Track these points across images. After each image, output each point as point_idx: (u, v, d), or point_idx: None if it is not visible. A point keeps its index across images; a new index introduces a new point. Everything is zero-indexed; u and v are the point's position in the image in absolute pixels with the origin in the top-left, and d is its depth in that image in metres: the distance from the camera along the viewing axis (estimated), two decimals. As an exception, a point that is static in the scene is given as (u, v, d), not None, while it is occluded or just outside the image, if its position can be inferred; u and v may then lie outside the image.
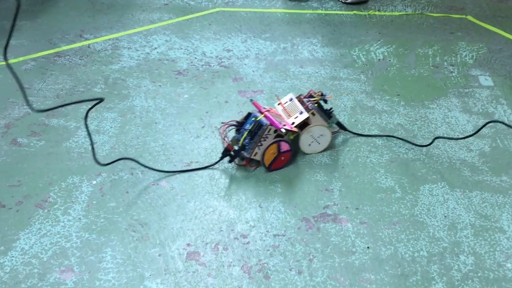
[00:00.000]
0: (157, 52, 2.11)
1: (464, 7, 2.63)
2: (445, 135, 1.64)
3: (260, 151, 1.44)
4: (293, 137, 1.51)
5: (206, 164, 1.49)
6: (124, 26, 2.33)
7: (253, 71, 1.99)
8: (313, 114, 1.52)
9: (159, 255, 1.22)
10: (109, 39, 2.20)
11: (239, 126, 1.49)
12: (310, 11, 2.54)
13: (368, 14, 2.53)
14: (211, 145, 1.57)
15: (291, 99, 1.57)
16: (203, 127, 1.65)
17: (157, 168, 1.47)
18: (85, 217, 1.32)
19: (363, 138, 1.62)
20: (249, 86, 1.89)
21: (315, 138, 1.54)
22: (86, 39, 2.20)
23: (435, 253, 1.24)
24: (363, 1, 2.63)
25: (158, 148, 1.56)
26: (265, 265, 1.20)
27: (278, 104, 1.59)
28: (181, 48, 2.15)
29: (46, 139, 1.59)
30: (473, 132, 1.52)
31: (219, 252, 1.23)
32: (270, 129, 1.43)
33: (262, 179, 1.45)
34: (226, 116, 1.69)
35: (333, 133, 1.64)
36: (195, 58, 2.08)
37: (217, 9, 2.53)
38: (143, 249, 1.23)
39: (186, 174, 1.46)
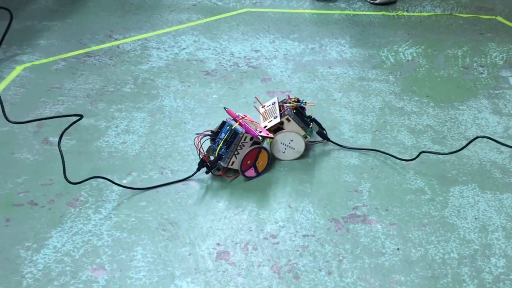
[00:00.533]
0: (186, 53, 2.13)
1: (493, 8, 2.59)
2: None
3: (238, 160, 1.42)
4: (270, 142, 1.50)
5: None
6: (153, 26, 2.35)
7: (282, 72, 1.99)
8: (287, 119, 1.49)
9: (189, 254, 1.22)
10: (138, 40, 2.23)
11: (214, 135, 1.45)
12: (338, 12, 2.53)
13: (397, 14, 2.51)
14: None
15: (273, 103, 1.56)
16: (231, 127, 1.66)
17: (188, 168, 1.48)
18: (116, 215, 1.33)
19: (392, 139, 1.61)
20: (277, 87, 1.89)
21: (287, 145, 1.51)
22: (116, 39, 2.23)
23: (465, 256, 1.23)
24: (391, 1, 2.61)
25: (187, 148, 1.57)
26: (295, 265, 1.19)
27: (262, 107, 1.59)
28: (210, 49, 2.16)
29: (77, 138, 1.61)
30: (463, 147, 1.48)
31: (248, 252, 1.23)
32: (246, 136, 1.40)
33: (290, 180, 1.45)
34: (254, 117, 1.69)
35: (315, 142, 1.61)
36: (224, 58, 2.09)
37: (245, 10, 2.54)
38: (173, 248, 1.24)
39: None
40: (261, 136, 1.43)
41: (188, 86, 1.90)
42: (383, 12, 2.53)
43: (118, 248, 1.24)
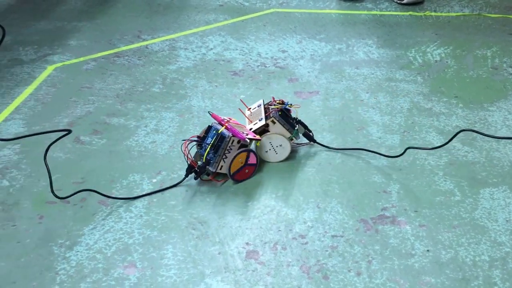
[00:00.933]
0: (213, 53, 2.14)
1: (524, 7, 2.56)
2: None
3: (226, 164, 1.42)
4: (258, 144, 1.49)
5: (262, 162, 1.50)
6: (180, 27, 2.38)
7: (309, 72, 1.99)
8: (273, 122, 1.49)
9: (219, 253, 1.23)
10: (166, 40, 2.25)
11: (201, 141, 1.45)
12: (365, 12, 2.52)
13: (424, 15, 2.49)
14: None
15: (259, 105, 1.55)
16: (259, 127, 1.67)
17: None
18: (146, 214, 1.35)
19: (421, 140, 1.60)
20: (304, 87, 1.90)
21: (272, 146, 1.51)
22: (144, 39, 2.26)
23: (497, 258, 1.21)
24: (418, 1, 2.59)
25: (216, 148, 1.58)
26: (324, 265, 1.20)
27: (248, 110, 1.59)
28: (237, 49, 2.17)
29: (107, 137, 1.64)
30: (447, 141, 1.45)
31: (277, 252, 1.24)
32: (233, 140, 1.40)
33: (319, 180, 1.45)
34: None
35: (301, 145, 1.60)
36: (251, 58, 2.10)
37: (271, 10, 2.55)
38: (203, 247, 1.25)
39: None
40: (248, 138, 1.43)
41: (216, 86, 1.91)
42: (411, 12, 2.51)
43: (149, 246, 1.26)
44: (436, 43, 2.22)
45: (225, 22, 2.42)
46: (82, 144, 1.61)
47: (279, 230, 1.30)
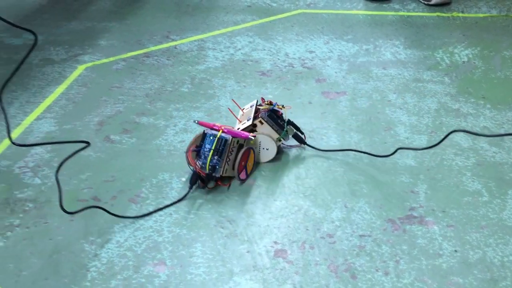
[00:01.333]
0: (241, 53, 2.16)
1: (554, 7, 2.52)
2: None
3: (229, 166, 1.43)
4: (252, 142, 1.50)
5: (289, 162, 1.52)
6: (208, 27, 2.40)
7: (336, 73, 2.00)
8: (260, 122, 1.50)
9: (247, 252, 1.25)
10: (195, 40, 2.28)
11: (198, 149, 1.44)
12: (392, 13, 2.52)
13: (452, 15, 2.48)
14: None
15: (251, 106, 1.56)
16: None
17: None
18: (175, 212, 1.37)
19: (448, 141, 1.59)
20: (332, 87, 1.90)
21: (259, 147, 1.52)
22: (173, 40, 2.29)
23: (526, 260, 1.21)
24: (446, 2, 2.57)
25: (243, 147, 1.60)
26: (352, 265, 1.20)
27: (241, 110, 1.60)
28: (265, 49, 2.19)
29: (137, 136, 1.67)
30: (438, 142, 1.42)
31: (305, 251, 1.25)
32: (234, 142, 1.42)
33: (346, 180, 1.46)
34: (310, 117, 1.71)
35: (292, 146, 1.60)
36: (278, 59, 2.11)
37: (299, 11, 2.56)
38: (232, 245, 1.27)
39: (272, 173, 1.49)
40: (254, 136, 1.45)
41: (244, 86, 1.93)
42: (438, 13, 2.50)
43: (178, 244, 1.28)
44: (463, 44, 2.20)
45: (253, 23, 2.44)
46: (112, 143, 1.64)
47: (307, 229, 1.31)
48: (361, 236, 1.28)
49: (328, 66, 2.05)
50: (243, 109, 1.62)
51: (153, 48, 2.22)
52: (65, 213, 1.34)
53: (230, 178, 1.47)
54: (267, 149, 1.53)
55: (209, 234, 1.30)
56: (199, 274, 1.20)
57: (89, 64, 2.10)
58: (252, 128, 1.52)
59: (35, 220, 1.36)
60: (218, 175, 1.42)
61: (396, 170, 1.49)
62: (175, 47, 2.23)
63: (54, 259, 1.24)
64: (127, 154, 1.59)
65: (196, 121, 1.50)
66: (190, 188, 1.44)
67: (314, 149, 1.58)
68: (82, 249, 1.27)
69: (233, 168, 1.44)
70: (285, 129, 1.53)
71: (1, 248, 1.28)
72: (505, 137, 1.60)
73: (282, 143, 1.56)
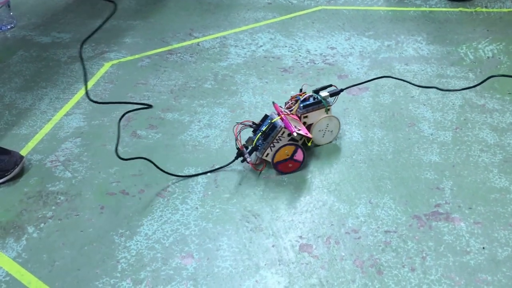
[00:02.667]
0: (263, 50, 2.17)
1: None
2: None
3: (272, 152, 1.44)
4: (310, 143, 1.50)
5: (313, 157, 1.52)
6: (230, 24, 2.41)
7: (358, 69, 2.00)
8: (305, 117, 1.53)
9: (273, 246, 1.26)
10: (217, 37, 2.29)
11: (256, 127, 1.49)
12: (414, 9, 2.50)
13: (475, 11, 2.45)
14: (319, 141, 1.60)
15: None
16: (310, 123, 1.69)
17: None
18: (201, 206, 1.39)
19: (474, 137, 1.59)
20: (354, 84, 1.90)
21: (324, 130, 1.57)
22: (196, 37, 2.31)
23: (555, 257, 1.20)
24: (469, -3, 2.55)
25: (267, 143, 1.61)
26: (377, 260, 1.21)
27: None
28: (286, 46, 2.19)
29: (163, 132, 1.69)
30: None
31: (331, 246, 1.25)
32: (284, 131, 1.43)
33: (370, 175, 1.46)
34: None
35: (334, 102, 1.60)
36: (300, 55, 2.11)
37: (319, 8, 2.56)
38: (257, 239, 1.28)
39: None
40: (298, 133, 1.43)
41: (266, 82, 1.94)
42: (461, 9, 2.48)
43: (205, 237, 1.30)
44: (487, 39, 2.18)
45: (274, 20, 2.45)
46: (139, 138, 1.67)
47: (332, 225, 1.32)
48: (386, 232, 1.29)
49: (349, 62, 2.05)
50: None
51: (176, 46, 2.24)
52: (95, 206, 1.40)
53: (267, 164, 1.50)
54: (331, 128, 1.58)
55: (235, 228, 1.32)
56: (226, 267, 1.22)
57: (115, 62, 2.13)
58: (307, 127, 1.55)
59: (66, 212, 1.39)
60: (260, 156, 1.47)
61: (420, 166, 1.49)
62: (197, 44, 2.24)
63: (85, 251, 1.28)
64: (153, 149, 1.62)
65: (273, 102, 1.55)
66: (235, 159, 1.50)
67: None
68: (112, 241, 1.30)
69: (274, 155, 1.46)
70: (321, 98, 1.54)
71: (35, 239, 1.32)
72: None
73: (330, 106, 1.57)
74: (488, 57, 2.05)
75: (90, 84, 1.97)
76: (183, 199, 1.42)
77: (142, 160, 1.55)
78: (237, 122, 1.52)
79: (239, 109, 1.78)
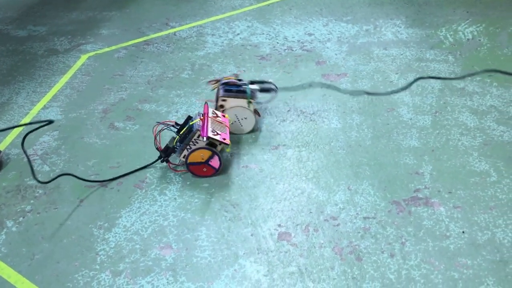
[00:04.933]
0: (240, 38, 2.15)
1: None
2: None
3: (187, 153, 1.40)
4: (228, 150, 1.45)
5: (292, 145, 1.51)
6: (207, 13, 2.39)
7: (336, 54, 1.98)
8: (223, 100, 1.53)
9: (252, 235, 1.25)
10: (194, 27, 2.27)
11: (180, 127, 1.44)
12: (393, -8, 2.49)
13: (454, -8, 2.44)
14: (297, 128, 1.59)
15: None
16: (288, 110, 1.67)
17: (246, 151, 1.51)
18: (180, 197, 1.37)
19: (453, 121, 1.58)
20: (332, 70, 1.89)
21: (239, 119, 1.55)
22: (172, 27, 2.28)
23: (535, 239, 1.20)
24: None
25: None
26: (357, 247, 1.20)
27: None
28: (263, 33, 2.17)
29: (140, 123, 1.66)
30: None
31: (309, 234, 1.24)
32: (199, 134, 1.39)
33: (349, 162, 1.45)
34: (311, 100, 1.70)
35: (268, 101, 1.62)
36: (277, 42, 2.09)
37: (298, -7, 2.54)
38: (236, 228, 1.27)
39: (275, 157, 1.49)
40: (211, 137, 1.38)
41: (244, 71, 1.92)
42: (441, -9, 2.47)
43: (183, 228, 1.28)
44: (467, 21, 2.18)
45: (251, 7, 2.42)
46: (117, 130, 1.64)
47: (311, 212, 1.31)
48: (365, 218, 1.28)
49: (328, 48, 2.03)
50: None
51: (153, 36, 2.21)
52: (73, 199, 1.38)
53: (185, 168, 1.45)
54: (245, 118, 1.55)
55: (213, 218, 1.31)
56: (205, 257, 1.20)
57: (92, 53, 2.10)
58: (223, 110, 1.53)
59: (45, 206, 1.37)
60: (178, 157, 1.43)
61: (399, 151, 1.48)
62: (174, 34, 2.22)
63: (64, 244, 1.26)
64: (131, 140, 1.60)
65: (206, 102, 1.51)
66: (157, 159, 1.48)
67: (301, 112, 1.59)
68: (91, 233, 1.28)
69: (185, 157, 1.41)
70: (246, 89, 1.53)
71: (14, 233, 1.30)
72: None
73: (256, 103, 1.56)
74: (468, 39, 2.04)
75: (67, 77, 1.93)
76: (162, 190, 1.40)
77: (122, 151, 1.54)
78: (157, 122, 1.48)
79: (217, 98, 1.76)
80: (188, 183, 1.42)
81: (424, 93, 1.72)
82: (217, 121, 1.45)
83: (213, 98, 1.65)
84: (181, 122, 1.46)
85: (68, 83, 1.89)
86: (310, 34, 2.14)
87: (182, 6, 2.47)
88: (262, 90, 1.56)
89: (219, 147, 1.41)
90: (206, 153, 1.40)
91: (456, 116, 1.61)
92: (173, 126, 1.47)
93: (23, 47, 2.19)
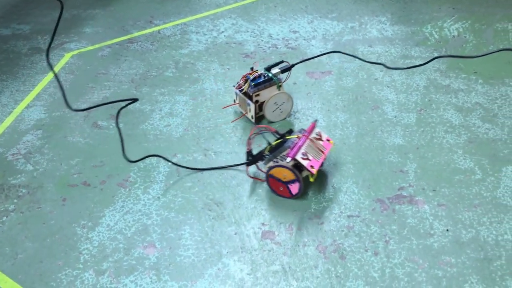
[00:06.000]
0: (224, 36, 2.13)
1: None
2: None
3: (272, 165, 1.31)
4: (312, 179, 1.30)
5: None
6: (191, 11, 2.37)
7: (321, 52, 1.98)
8: (256, 95, 1.54)
9: (235, 234, 1.24)
10: (178, 24, 2.25)
11: (280, 137, 1.37)
12: (379, -11, 2.49)
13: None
14: (281, 128, 1.58)
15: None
16: (273, 109, 1.67)
17: (230, 149, 1.50)
18: (163, 196, 1.36)
19: (438, 118, 1.58)
20: (317, 67, 1.88)
21: (278, 106, 1.58)
22: (156, 25, 2.26)
23: (519, 237, 1.20)
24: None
25: (229, 130, 1.58)
26: (340, 245, 1.20)
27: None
28: (248, 31, 2.16)
29: (124, 122, 1.65)
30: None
31: (293, 232, 1.24)
32: (288, 152, 1.31)
33: (333, 160, 1.45)
34: (295, 98, 1.70)
35: (287, 78, 1.63)
36: (262, 40, 2.08)
37: (283, -9, 2.53)
38: (220, 227, 1.26)
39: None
40: (296, 159, 1.27)
41: (228, 69, 1.91)
42: (426, -12, 2.47)
43: (167, 227, 1.27)
44: (453, 17, 2.18)
45: (236, 5, 2.41)
46: (100, 128, 1.63)
47: (294, 211, 1.30)
48: (349, 216, 1.27)
49: (312, 45, 2.03)
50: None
51: (136, 34, 2.19)
52: (57, 198, 1.37)
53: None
54: (283, 103, 1.58)
55: (197, 217, 1.30)
56: (188, 256, 1.20)
57: (75, 52, 2.08)
58: (259, 105, 1.55)
59: (28, 205, 1.36)
60: (264, 165, 1.35)
61: (384, 149, 1.48)
62: (158, 32, 2.20)
63: (48, 243, 1.25)
64: (114, 139, 1.58)
65: (315, 120, 1.39)
66: (244, 163, 1.43)
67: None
68: (74, 232, 1.27)
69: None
70: (271, 76, 1.54)
71: (-4, 233, 1.28)
72: (498, 113, 1.58)
73: (281, 84, 1.57)
74: (454, 36, 2.05)
75: (51, 75, 1.91)
76: (145, 189, 1.39)
77: (105, 150, 1.53)
78: (256, 126, 1.44)
79: (200, 97, 1.75)
80: (171, 182, 1.41)
81: (409, 90, 1.72)
82: (315, 144, 1.34)
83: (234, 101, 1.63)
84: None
85: (51, 82, 1.87)
86: (295, 32, 2.13)
87: (166, 3, 2.45)
88: (283, 71, 1.57)
89: (304, 173, 1.31)
90: (289, 175, 1.30)
91: (441, 113, 1.61)
92: (273, 133, 1.38)
93: (7, 46, 2.16)
